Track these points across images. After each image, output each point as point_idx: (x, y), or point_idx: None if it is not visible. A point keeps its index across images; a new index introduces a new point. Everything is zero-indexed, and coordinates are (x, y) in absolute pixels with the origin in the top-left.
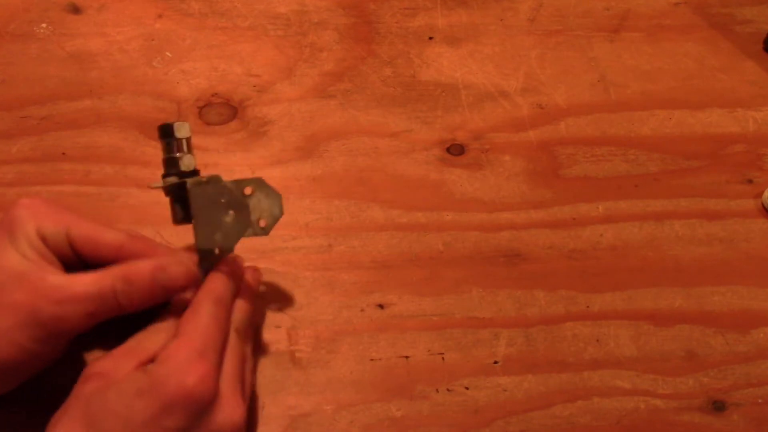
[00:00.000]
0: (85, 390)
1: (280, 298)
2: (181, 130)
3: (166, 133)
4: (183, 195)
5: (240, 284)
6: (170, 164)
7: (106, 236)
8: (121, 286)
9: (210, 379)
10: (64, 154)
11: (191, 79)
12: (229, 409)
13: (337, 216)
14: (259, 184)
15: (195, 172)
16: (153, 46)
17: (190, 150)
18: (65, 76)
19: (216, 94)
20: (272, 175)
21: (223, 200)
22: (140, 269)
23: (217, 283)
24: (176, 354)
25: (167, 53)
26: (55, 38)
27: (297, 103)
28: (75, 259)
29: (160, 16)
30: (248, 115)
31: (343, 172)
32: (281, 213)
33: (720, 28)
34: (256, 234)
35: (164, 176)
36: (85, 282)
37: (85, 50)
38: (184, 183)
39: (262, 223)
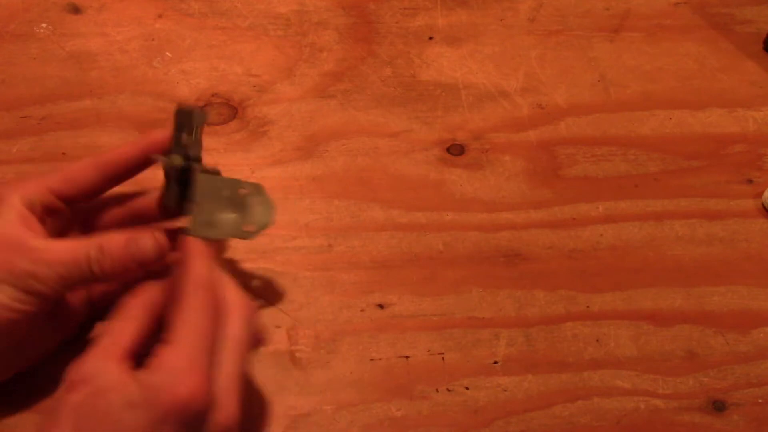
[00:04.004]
0: (72, 399)
1: (280, 298)
2: (198, 117)
3: (182, 115)
4: (183, 179)
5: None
6: (177, 146)
7: (76, 166)
8: (95, 253)
9: (204, 387)
10: (64, 154)
11: (191, 79)
12: (224, 415)
13: (337, 216)
14: (258, 189)
15: (199, 160)
16: (153, 46)
17: (200, 138)
18: (65, 76)
19: (216, 94)
20: (272, 175)
21: (226, 195)
22: (114, 239)
23: (197, 267)
24: (167, 362)
25: (167, 53)
26: (55, 38)
27: (297, 103)
28: (67, 218)
29: (160, 16)
30: (248, 115)
31: (343, 172)
32: (271, 223)
33: (720, 28)
34: (239, 236)
35: (168, 155)
36: (61, 247)
37: (85, 50)
38: (190, 167)
39: (250, 228)
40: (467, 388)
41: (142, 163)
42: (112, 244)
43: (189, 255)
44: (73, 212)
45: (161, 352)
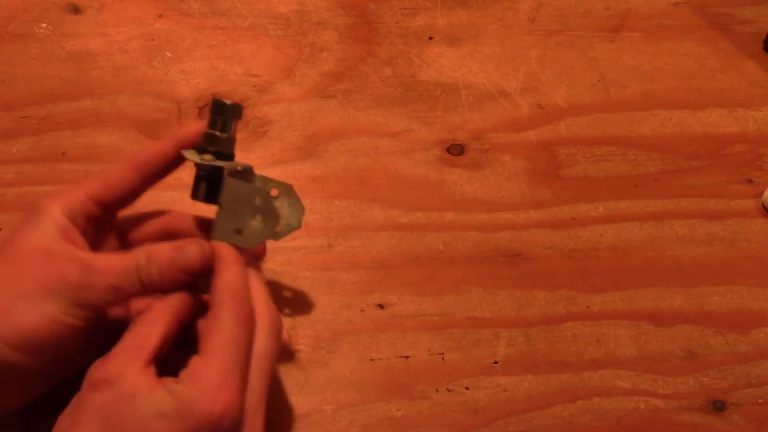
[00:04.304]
0: (96, 400)
1: (280, 298)
2: (234, 112)
3: (218, 109)
4: (214, 177)
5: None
6: (210, 141)
7: (113, 170)
8: (144, 262)
9: (237, 403)
10: (64, 154)
11: (191, 79)
12: (250, 426)
13: (337, 216)
14: (288, 190)
15: (231, 156)
16: (153, 46)
17: (234, 134)
18: (65, 76)
19: (216, 94)
20: (272, 175)
21: (255, 202)
22: (161, 248)
23: (229, 275)
24: (200, 375)
25: (167, 53)
26: (55, 38)
27: (297, 103)
28: (106, 226)
29: (160, 16)
30: (248, 115)
31: (343, 172)
32: (299, 226)
33: (720, 28)
34: (267, 237)
35: (200, 150)
36: (110, 257)
37: (85, 50)
38: (221, 168)
39: (277, 229)
40: (467, 388)
41: (178, 159)
42: (159, 253)
43: (220, 261)
44: (111, 219)
45: (194, 364)
